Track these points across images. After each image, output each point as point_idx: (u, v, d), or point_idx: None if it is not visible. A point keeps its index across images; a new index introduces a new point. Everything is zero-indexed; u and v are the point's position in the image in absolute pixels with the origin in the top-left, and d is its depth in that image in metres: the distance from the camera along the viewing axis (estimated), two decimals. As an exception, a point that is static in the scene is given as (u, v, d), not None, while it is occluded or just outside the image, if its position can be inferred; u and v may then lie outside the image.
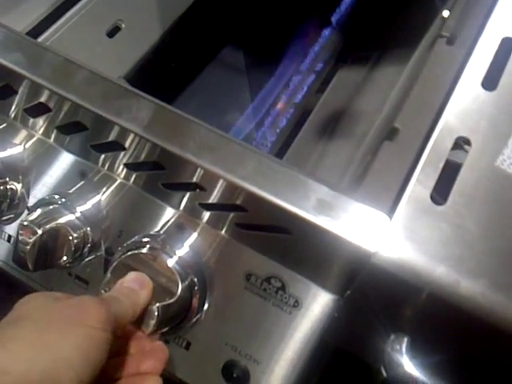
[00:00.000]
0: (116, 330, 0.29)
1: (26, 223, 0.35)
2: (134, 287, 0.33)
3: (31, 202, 0.40)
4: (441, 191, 0.31)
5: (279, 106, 0.50)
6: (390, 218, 0.30)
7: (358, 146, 0.43)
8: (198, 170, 0.32)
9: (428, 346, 0.32)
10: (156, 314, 0.33)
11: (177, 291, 0.34)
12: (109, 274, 0.35)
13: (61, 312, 0.29)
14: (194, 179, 0.33)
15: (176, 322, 0.36)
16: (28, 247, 0.35)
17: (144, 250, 0.36)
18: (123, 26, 0.46)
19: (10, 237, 0.41)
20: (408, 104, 0.36)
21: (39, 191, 0.41)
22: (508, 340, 0.28)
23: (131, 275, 0.34)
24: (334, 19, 0.53)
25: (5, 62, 0.34)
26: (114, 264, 0.35)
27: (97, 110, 0.32)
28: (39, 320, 0.28)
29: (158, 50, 0.48)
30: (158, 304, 0.33)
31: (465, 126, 0.33)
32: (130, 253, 0.36)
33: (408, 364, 0.32)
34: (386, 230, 0.30)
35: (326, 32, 0.53)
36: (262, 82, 0.57)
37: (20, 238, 0.35)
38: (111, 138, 0.34)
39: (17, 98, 0.37)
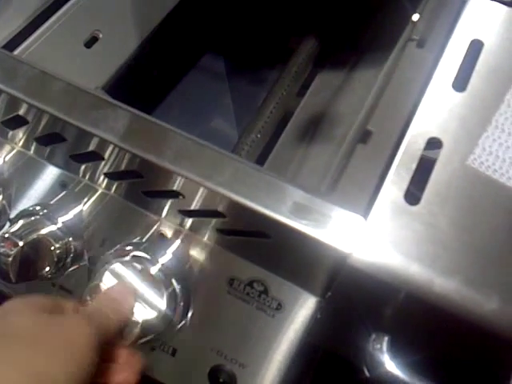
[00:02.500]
0: (101, 343, 0.29)
1: (7, 235, 0.35)
2: (117, 297, 0.33)
3: (13, 214, 0.40)
4: (414, 192, 0.32)
5: (260, 111, 0.51)
6: (365, 219, 0.31)
7: (336, 149, 0.44)
8: (176, 177, 0.33)
9: (408, 345, 0.33)
10: (140, 321, 0.33)
11: (161, 299, 0.34)
12: (93, 283, 0.35)
13: (47, 330, 0.28)
14: (173, 187, 0.34)
15: (161, 329, 0.36)
16: (10, 259, 0.35)
17: (127, 259, 0.36)
18: (101, 36, 0.46)
19: (-8, 249, 0.41)
20: (380, 106, 0.37)
21: (21, 203, 0.41)
22: (482, 336, 0.29)
23: (115, 286, 0.34)
24: (311, 24, 0.54)
25: (-20, 77, 0.34)
26: (98, 273, 0.36)
27: (74, 121, 0.32)
28: (26, 338, 0.28)
29: (137, 59, 0.49)
30: (142, 312, 0.33)
31: (436, 126, 0.34)
32: (113, 261, 0.36)
33: (389, 363, 0.33)
34: (362, 232, 0.31)
35: (304, 37, 0.54)
36: (242, 88, 0.58)
37: (1, 250, 0.35)
38: (90, 148, 0.35)
39: (-6, 111, 0.37)
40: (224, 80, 0.60)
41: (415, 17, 0.41)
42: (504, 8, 0.39)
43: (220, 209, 0.33)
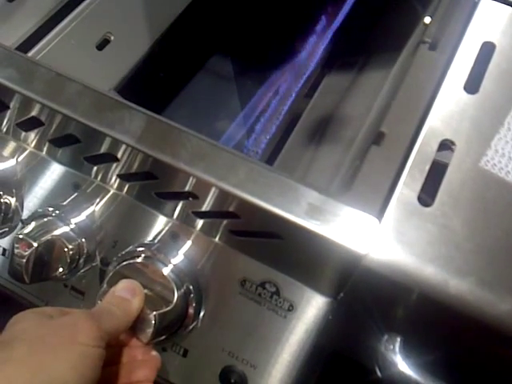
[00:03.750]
0: (110, 341, 0.29)
1: (21, 236, 0.36)
2: (125, 296, 0.33)
3: (25, 214, 0.41)
4: (428, 193, 0.32)
5: (269, 112, 0.51)
6: (379, 220, 0.31)
7: (346, 150, 0.44)
8: (191, 178, 0.33)
9: (421, 345, 0.33)
10: (153, 322, 0.33)
11: (173, 299, 0.34)
12: (105, 285, 0.35)
13: (54, 331, 0.28)
14: (187, 188, 0.34)
15: (173, 329, 0.36)
16: (24, 260, 0.35)
17: (139, 260, 0.36)
18: (112, 38, 0.47)
19: (4, 250, 0.42)
20: (393, 109, 0.37)
21: (33, 204, 0.41)
22: (495, 336, 0.29)
23: (122, 283, 0.34)
24: (319, 27, 0.54)
25: (-1, 79, 0.34)
26: (110, 274, 0.36)
27: (90, 123, 0.33)
28: (33, 340, 0.28)
29: (147, 60, 0.49)
30: (154, 313, 0.33)
31: (449, 128, 0.34)
32: (125, 263, 0.36)
33: (401, 363, 0.33)
34: (376, 233, 0.31)
35: (312, 39, 0.54)
36: (250, 90, 0.58)
37: (16, 251, 0.35)
38: (104, 149, 0.35)
39: (9, 112, 0.37)
40: (232, 81, 0.60)
41: (427, 19, 0.41)
42: (515, 10, 0.39)
43: (234, 210, 0.33)
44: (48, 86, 0.34)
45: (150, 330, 0.34)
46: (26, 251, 0.35)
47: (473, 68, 0.37)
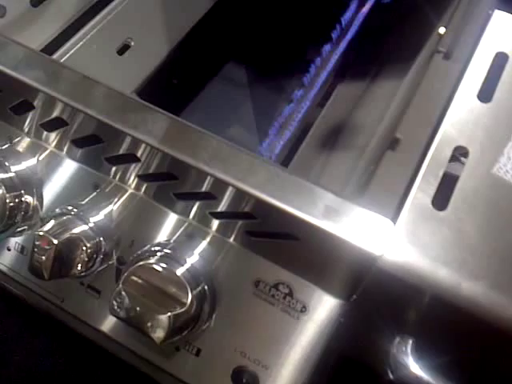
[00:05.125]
0: None
1: (42, 233, 0.36)
2: None
3: (44, 213, 0.41)
4: (441, 198, 0.33)
5: (282, 119, 0.52)
6: (394, 223, 0.32)
7: (359, 156, 0.45)
8: (210, 178, 0.34)
9: (433, 347, 0.33)
10: (167, 323, 0.34)
11: (187, 299, 0.35)
12: (120, 284, 0.36)
13: None
14: (206, 188, 0.35)
15: (186, 330, 0.36)
16: (44, 257, 0.36)
17: (155, 259, 0.36)
18: (132, 43, 0.48)
19: (23, 248, 0.42)
20: (408, 115, 0.38)
21: (52, 202, 0.42)
22: (507, 339, 0.30)
23: None
24: (333, 35, 0.55)
25: (26, 80, 0.35)
26: (126, 274, 0.36)
27: (114, 124, 0.34)
28: None
29: (166, 66, 0.50)
30: (169, 314, 0.34)
31: (462, 135, 0.35)
32: (141, 262, 0.37)
33: (414, 365, 0.33)
34: (391, 235, 0.32)
35: (327, 47, 0.55)
36: (264, 97, 0.59)
37: (36, 248, 0.36)
38: (126, 150, 0.36)
39: (33, 113, 0.38)
40: (246, 88, 0.61)
41: (441, 30, 0.42)
42: (528, 23, 0.40)
43: (251, 210, 0.34)
44: (74, 88, 0.35)
45: (164, 331, 0.34)
46: (46, 248, 0.36)
47: (486, 77, 0.37)
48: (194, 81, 0.58)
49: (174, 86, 0.55)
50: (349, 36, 0.54)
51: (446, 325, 0.32)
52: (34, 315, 0.47)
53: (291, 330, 0.36)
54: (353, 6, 0.55)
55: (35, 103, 0.37)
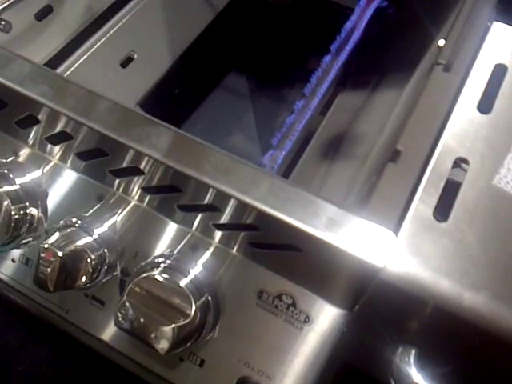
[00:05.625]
0: None
1: (46, 246, 0.37)
2: None
3: (49, 225, 0.42)
4: (442, 209, 0.33)
5: (284, 129, 0.53)
6: (396, 234, 0.32)
7: (360, 166, 0.45)
8: (214, 191, 0.34)
9: (435, 358, 0.34)
10: (171, 334, 0.34)
11: (191, 311, 0.35)
12: (124, 296, 0.36)
13: None
14: (210, 201, 0.35)
15: (191, 341, 0.36)
16: (49, 269, 0.36)
17: (158, 271, 0.37)
18: (135, 56, 0.49)
19: (27, 259, 0.43)
20: (409, 127, 0.38)
21: (56, 214, 0.42)
22: (509, 349, 0.30)
23: None
24: (333, 46, 0.56)
25: (32, 95, 0.36)
26: (130, 285, 0.37)
27: (119, 138, 0.34)
28: None
29: (168, 78, 0.51)
30: (173, 325, 0.34)
31: (463, 147, 0.35)
32: (145, 274, 0.37)
33: (416, 375, 0.33)
34: (393, 246, 0.32)
35: (327, 58, 0.56)
36: (265, 107, 0.60)
37: (41, 260, 0.37)
38: (130, 163, 0.36)
39: (38, 126, 0.39)
40: (247, 99, 0.62)
41: (441, 42, 0.42)
42: (526, 34, 0.41)
43: (254, 222, 0.34)
44: (79, 103, 0.35)
45: (168, 343, 0.34)
46: (51, 260, 0.36)
47: (486, 89, 0.38)
48: (197, 91, 0.59)
49: (176, 97, 0.56)
50: (349, 47, 0.55)
51: (448, 335, 0.32)
52: (37, 325, 0.47)
53: (294, 340, 0.36)
54: (353, 18, 0.56)
55: (40, 117, 0.38)
